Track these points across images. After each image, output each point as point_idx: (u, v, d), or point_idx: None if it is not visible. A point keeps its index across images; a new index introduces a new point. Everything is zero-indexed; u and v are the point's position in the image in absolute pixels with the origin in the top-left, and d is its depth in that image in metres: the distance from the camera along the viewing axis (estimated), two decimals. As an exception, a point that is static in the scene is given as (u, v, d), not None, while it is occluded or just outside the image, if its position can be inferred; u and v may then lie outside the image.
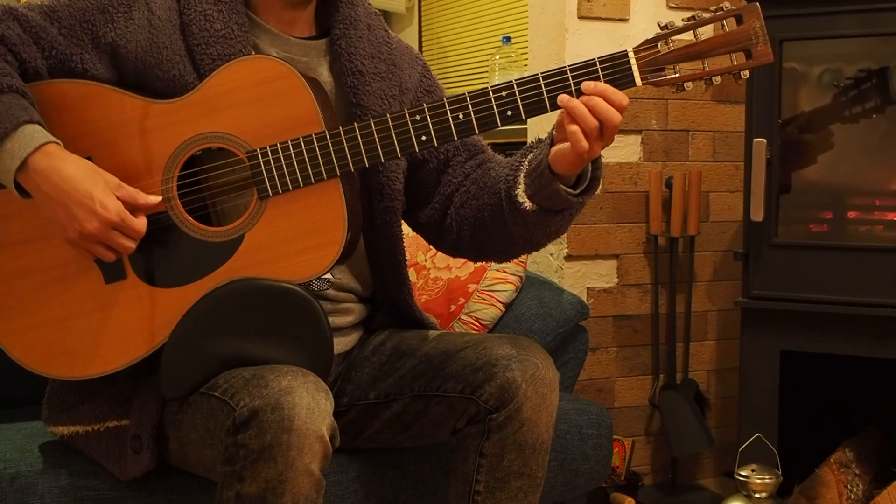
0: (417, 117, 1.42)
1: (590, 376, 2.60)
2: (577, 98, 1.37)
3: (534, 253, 1.90)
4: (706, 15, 1.39)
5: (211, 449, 1.41)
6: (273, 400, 1.31)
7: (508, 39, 3.36)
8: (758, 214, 2.17)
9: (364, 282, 1.68)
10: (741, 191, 2.30)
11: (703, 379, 2.72)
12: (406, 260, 1.70)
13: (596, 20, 2.52)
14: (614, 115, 1.36)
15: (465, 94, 1.41)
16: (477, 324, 2.16)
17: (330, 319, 1.46)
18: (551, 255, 2.58)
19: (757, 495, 2.12)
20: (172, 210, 1.47)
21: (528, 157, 1.49)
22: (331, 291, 1.60)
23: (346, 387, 1.65)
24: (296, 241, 1.45)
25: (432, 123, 1.42)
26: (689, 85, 1.39)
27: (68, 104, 1.48)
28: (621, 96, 1.37)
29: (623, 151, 2.58)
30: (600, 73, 1.38)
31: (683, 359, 2.67)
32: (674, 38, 1.38)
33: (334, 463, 1.49)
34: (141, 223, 1.42)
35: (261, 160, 1.44)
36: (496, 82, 3.07)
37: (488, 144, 1.71)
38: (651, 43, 1.38)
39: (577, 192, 1.45)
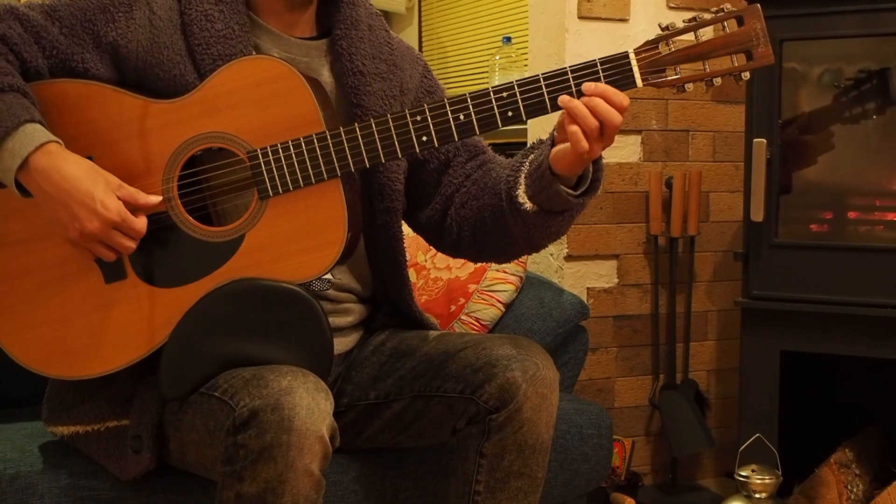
0: (418, 118, 1.42)
1: (590, 376, 2.60)
2: (578, 99, 1.37)
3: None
4: (707, 16, 1.39)
5: (211, 449, 1.41)
6: (273, 400, 1.31)
7: (508, 40, 3.36)
8: (758, 215, 2.17)
9: (364, 282, 1.68)
10: (741, 191, 2.30)
11: (703, 379, 2.72)
12: (406, 260, 1.70)
13: (596, 20, 2.52)
14: (615, 116, 1.36)
15: (465, 94, 1.41)
16: (477, 324, 2.16)
17: (330, 320, 1.46)
18: (551, 255, 2.58)
19: (757, 495, 2.12)
20: (173, 210, 1.47)
21: (529, 157, 1.49)
22: (331, 292, 1.60)
23: (346, 387, 1.65)
24: (296, 241, 1.45)
25: (433, 124, 1.42)
26: (689, 86, 1.39)
27: (69, 104, 1.47)
28: (622, 97, 1.37)
29: (623, 151, 2.58)
30: (601, 73, 1.38)
31: (683, 359, 2.67)
32: (675, 39, 1.38)
33: (334, 463, 1.49)
34: (141, 223, 1.42)
35: (261, 160, 1.44)
36: (496, 82, 3.06)
37: (489, 145, 1.71)
38: (652, 44, 1.38)
39: (578, 193, 1.45)
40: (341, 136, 1.43)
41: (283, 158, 1.43)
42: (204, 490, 1.55)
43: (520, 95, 1.40)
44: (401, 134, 1.43)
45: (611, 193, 2.58)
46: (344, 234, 1.44)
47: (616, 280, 2.62)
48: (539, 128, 2.57)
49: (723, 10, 1.38)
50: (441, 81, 1.74)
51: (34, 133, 1.38)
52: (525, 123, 2.70)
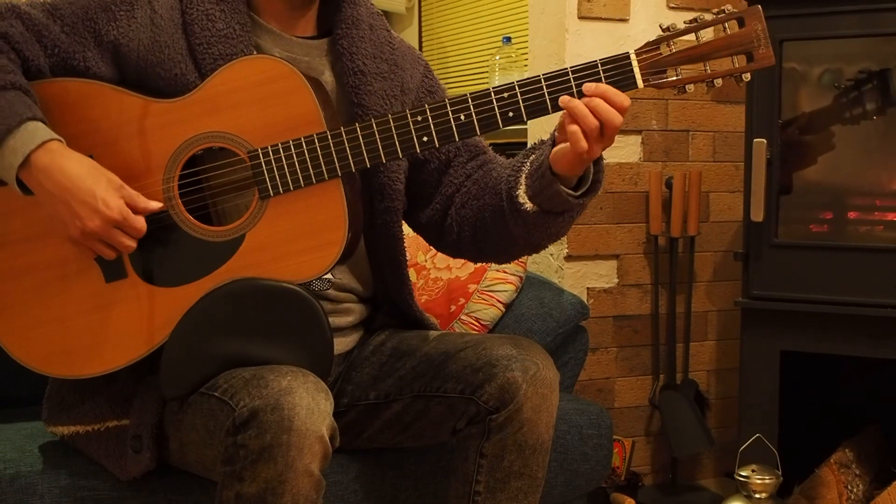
0: (419, 118, 1.42)
1: (590, 376, 2.60)
2: (579, 99, 1.37)
3: (534, 253, 1.90)
4: (708, 17, 1.39)
5: (211, 449, 1.41)
6: (273, 400, 1.31)
7: (508, 40, 3.36)
8: (758, 215, 2.17)
9: (364, 282, 1.68)
10: (741, 191, 2.30)
11: (703, 379, 2.72)
12: (407, 260, 1.70)
13: (596, 20, 2.52)
14: (615, 117, 1.36)
15: (466, 94, 1.41)
16: (477, 324, 2.16)
17: (330, 319, 1.46)
18: (551, 255, 2.58)
19: (757, 496, 2.12)
20: (173, 209, 1.47)
21: (530, 158, 1.49)
22: (331, 291, 1.60)
23: (347, 387, 1.65)
24: (296, 241, 1.44)
25: (434, 124, 1.42)
26: (690, 87, 1.39)
27: (70, 103, 1.47)
28: (622, 97, 1.37)
29: (623, 151, 2.58)
30: (602, 74, 1.38)
31: (683, 359, 2.67)
32: (676, 40, 1.38)
33: (334, 463, 1.49)
34: (142, 222, 1.42)
35: (262, 160, 1.44)
36: (496, 83, 3.07)
37: (489, 145, 1.71)
38: (653, 45, 1.38)
39: (578, 193, 1.45)
40: (342, 136, 1.43)
41: (283, 158, 1.43)
42: (204, 490, 1.55)
43: (521, 96, 1.40)
44: (401, 134, 1.43)
45: (611, 193, 2.58)
46: (344, 234, 1.44)
47: (616, 280, 2.62)
48: (540, 128, 2.57)
49: (724, 11, 1.38)
50: (441, 81, 1.74)
51: (36, 131, 1.38)
52: (526, 124, 2.70)
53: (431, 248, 1.77)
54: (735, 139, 2.66)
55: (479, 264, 2.20)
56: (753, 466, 2.14)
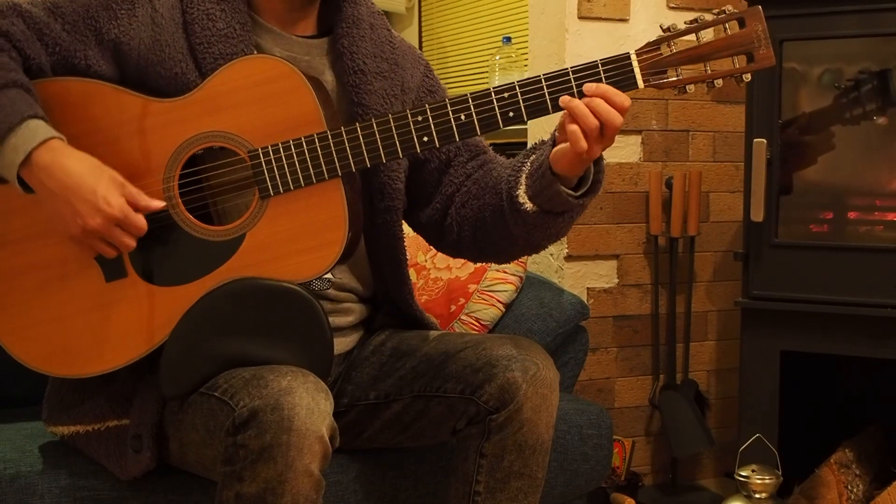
0: (419, 118, 1.42)
1: (590, 376, 2.60)
2: (579, 99, 1.37)
3: (534, 253, 1.90)
4: (709, 18, 1.39)
5: (211, 449, 1.41)
6: (273, 400, 1.31)
7: (508, 40, 3.36)
8: (758, 215, 2.17)
9: (365, 282, 1.67)
10: (741, 191, 2.30)
11: (703, 379, 2.72)
12: (407, 259, 1.70)
13: (596, 20, 2.52)
14: (615, 117, 1.36)
15: (467, 94, 1.41)
16: (477, 324, 2.16)
17: (330, 319, 1.46)
18: (551, 255, 2.58)
19: (757, 496, 2.12)
20: (174, 209, 1.47)
21: (531, 158, 1.49)
22: (331, 291, 1.60)
23: (347, 387, 1.65)
24: (297, 240, 1.44)
25: (434, 124, 1.42)
26: (691, 87, 1.39)
27: (70, 102, 1.47)
28: (623, 98, 1.37)
29: (623, 151, 2.58)
30: (602, 74, 1.38)
31: (683, 359, 2.67)
32: (676, 40, 1.38)
33: (334, 463, 1.49)
34: (143, 221, 1.42)
35: (262, 159, 1.44)
36: (496, 83, 3.06)
37: (489, 145, 1.71)
38: (654, 45, 1.38)
39: (578, 194, 1.45)
40: (342, 136, 1.43)
41: (283, 158, 1.43)
42: (204, 490, 1.55)
43: (521, 96, 1.40)
44: (402, 134, 1.43)
45: (611, 193, 2.58)
46: (345, 234, 1.44)
47: (616, 280, 2.62)
48: (540, 128, 2.57)
49: (724, 11, 1.38)
50: (441, 81, 1.74)
51: (37, 129, 1.38)
52: (526, 124, 2.70)
53: (431, 248, 1.77)
54: (735, 139, 2.66)
55: (479, 264, 2.20)
56: (753, 466, 2.14)
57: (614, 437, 2.15)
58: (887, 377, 2.34)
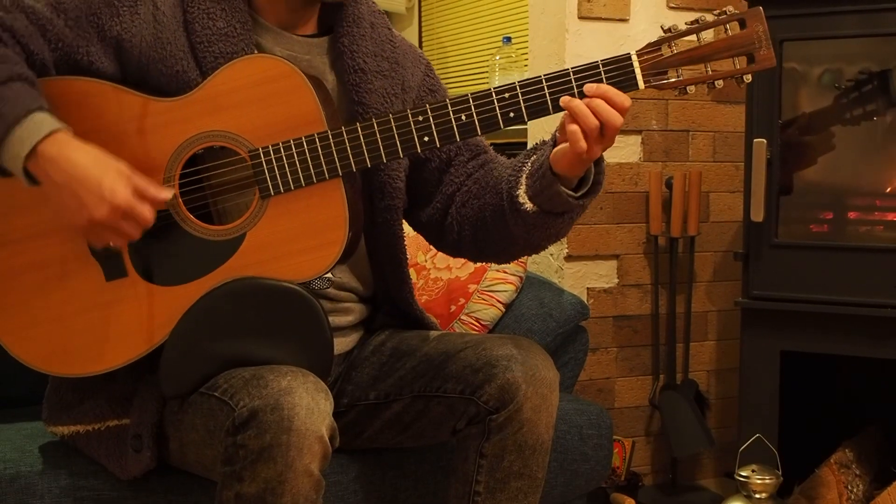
0: (420, 117, 1.42)
1: (590, 376, 2.60)
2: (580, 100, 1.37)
3: (534, 253, 1.90)
4: (710, 18, 1.39)
5: (211, 449, 1.41)
6: (273, 400, 1.31)
7: (509, 40, 3.36)
8: (758, 215, 2.17)
9: (365, 281, 1.67)
10: (741, 191, 2.30)
11: (703, 379, 2.72)
12: (407, 259, 1.70)
13: (596, 20, 2.52)
14: (615, 117, 1.36)
15: (468, 94, 1.41)
16: (477, 324, 2.16)
17: (330, 319, 1.46)
18: (551, 255, 2.58)
19: (757, 496, 2.12)
20: (174, 208, 1.47)
21: (531, 158, 1.49)
22: (331, 291, 1.60)
23: (346, 387, 1.65)
24: (297, 240, 1.44)
25: (435, 124, 1.42)
26: (691, 88, 1.39)
27: (71, 101, 1.47)
28: (623, 98, 1.37)
29: (623, 151, 2.58)
30: (603, 75, 1.38)
31: (683, 359, 2.67)
32: (677, 41, 1.38)
33: (334, 463, 1.49)
34: (149, 211, 1.40)
35: (263, 159, 1.44)
36: (496, 83, 3.06)
37: (490, 145, 1.71)
38: (654, 46, 1.38)
39: (579, 194, 1.45)
40: (343, 136, 1.43)
41: (284, 157, 1.43)
42: (204, 490, 1.55)
43: (522, 96, 1.40)
44: (402, 133, 1.43)
45: (611, 193, 2.58)
46: (345, 234, 1.44)
47: (616, 280, 2.62)
48: (540, 129, 2.57)
49: (725, 12, 1.38)
50: (441, 81, 1.74)
51: (43, 121, 1.38)
52: (526, 124, 2.70)
53: (431, 247, 1.77)
54: (735, 139, 2.66)
55: (479, 264, 2.20)
56: (753, 466, 2.14)
57: (614, 437, 2.15)
58: (887, 377, 2.35)
